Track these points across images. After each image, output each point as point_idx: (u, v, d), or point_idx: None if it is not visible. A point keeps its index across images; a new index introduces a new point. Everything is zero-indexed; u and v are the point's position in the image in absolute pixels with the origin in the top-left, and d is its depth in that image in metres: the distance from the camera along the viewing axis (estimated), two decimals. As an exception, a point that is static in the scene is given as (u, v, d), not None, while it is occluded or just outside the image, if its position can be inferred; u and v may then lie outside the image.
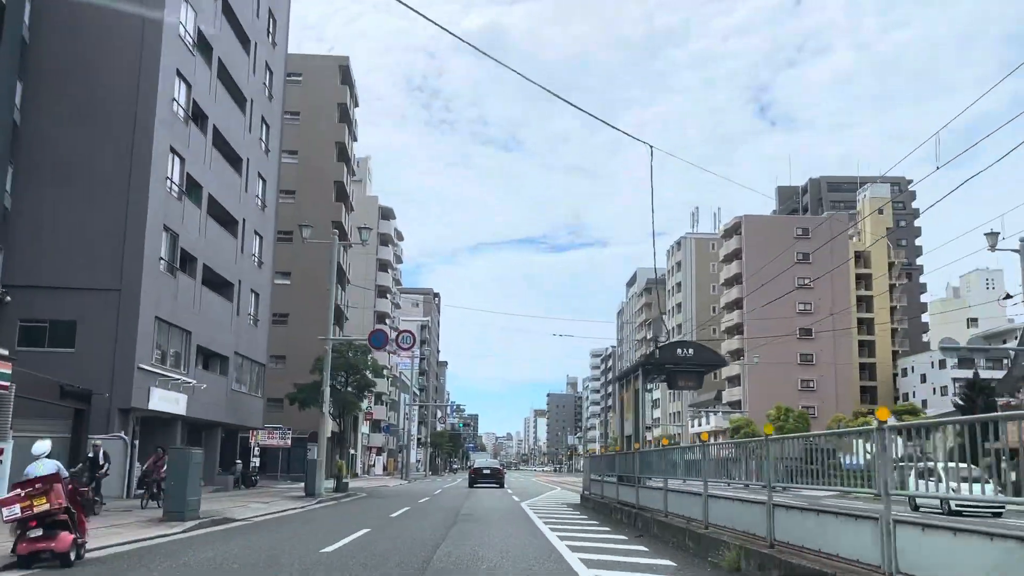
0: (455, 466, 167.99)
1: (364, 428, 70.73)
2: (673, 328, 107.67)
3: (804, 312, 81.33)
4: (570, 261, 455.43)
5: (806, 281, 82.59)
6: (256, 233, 35.80)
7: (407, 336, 30.31)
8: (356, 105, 65.33)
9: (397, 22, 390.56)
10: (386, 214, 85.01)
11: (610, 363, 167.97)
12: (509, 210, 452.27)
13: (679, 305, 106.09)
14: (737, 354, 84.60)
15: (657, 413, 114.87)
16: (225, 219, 31.95)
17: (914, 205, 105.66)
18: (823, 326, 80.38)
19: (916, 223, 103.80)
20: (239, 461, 34.09)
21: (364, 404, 60.37)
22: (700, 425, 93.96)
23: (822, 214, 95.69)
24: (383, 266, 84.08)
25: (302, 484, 32.24)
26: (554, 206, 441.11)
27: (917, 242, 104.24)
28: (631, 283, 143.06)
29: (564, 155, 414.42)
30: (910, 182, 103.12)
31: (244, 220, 33.94)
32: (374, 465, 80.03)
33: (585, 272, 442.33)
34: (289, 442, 45.99)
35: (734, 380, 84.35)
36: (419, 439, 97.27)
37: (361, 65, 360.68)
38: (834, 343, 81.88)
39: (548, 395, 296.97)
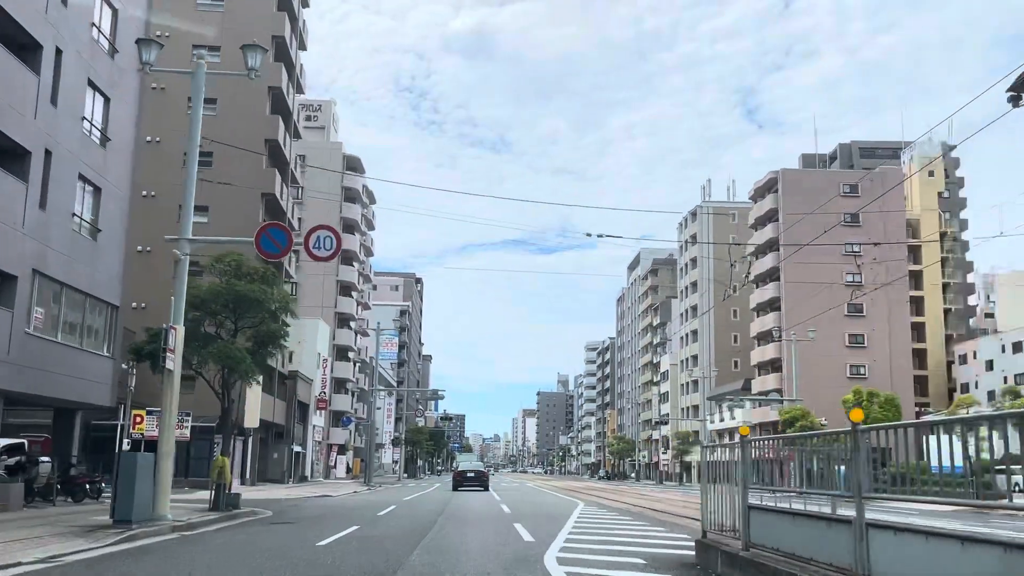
0: (439, 468, 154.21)
1: (317, 419, 56.72)
2: (687, 310, 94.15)
3: (853, 284, 67.96)
4: (558, 262, 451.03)
5: (854, 248, 69.29)
6: (95, 87, 21.88)
7: (326, 237, 16.50)
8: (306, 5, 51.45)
9: (386, 22, 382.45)
10: (353, 165, 71.12)
11: (607, 356, 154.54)
12: (498, 211, 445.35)
13: (694, 284, 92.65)
14: (769, 336, 71.13)
15: (665, 408, 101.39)
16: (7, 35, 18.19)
17: (958, 173, 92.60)
18: (875, 302, 67.07)
19: (961, 193, 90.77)
20: (46, 460, 20.23)
21: (278, 364, 46.24)
22: (722, 421, 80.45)
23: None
24: (349, 227, 70.18)
25: (203, 494, 19.42)
26: (542, 207, 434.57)
27: (963, 215, 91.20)
28: (633, 266, 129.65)
29: (552, 157, 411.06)
30: (952, 148, 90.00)
31: (58, 48, 20.05)
32: (334, 466, 66.09)
33: (573, 273, 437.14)
34: (188, 432, 32.13)
35: (767, 367, 70.94)
36: (395, 436, 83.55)
37: (349, 65, 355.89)
38: (889, 322, 68.57)
39: (538, 393, 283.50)
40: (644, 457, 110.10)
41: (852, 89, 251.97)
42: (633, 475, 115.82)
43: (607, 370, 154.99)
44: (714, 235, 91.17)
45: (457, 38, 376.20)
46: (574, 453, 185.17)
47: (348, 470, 69.87)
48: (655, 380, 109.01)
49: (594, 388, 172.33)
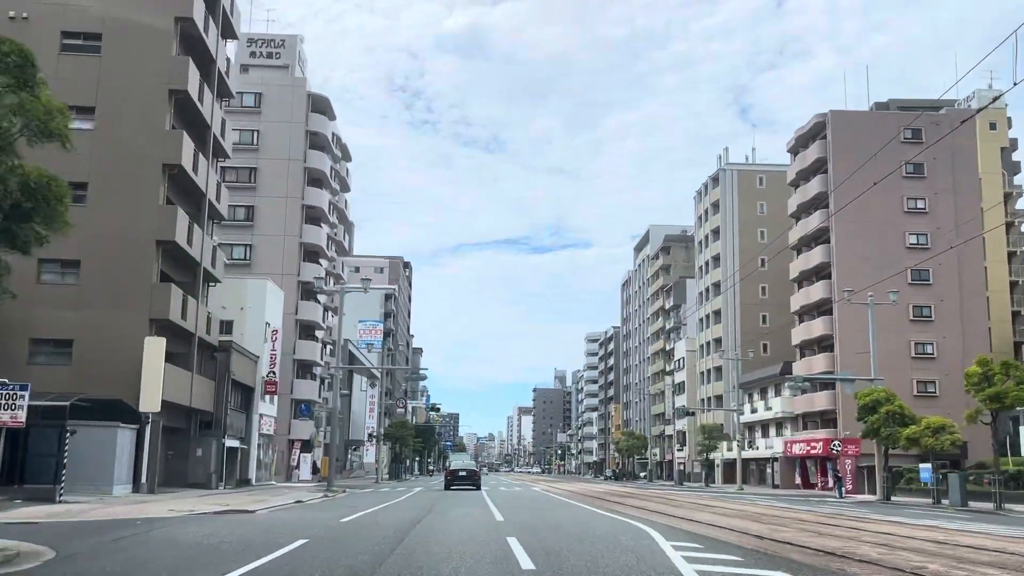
0: (430, 467, 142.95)
1: (267, 407, 45.27)
2: (709, 287, 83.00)
3: (917, 247, 57.03)
4: (552, 262, 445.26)
5: (918, 204, 58.31)
6: None
7: None
8: None
9: (379, 21, 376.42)
10: (320, 107, 59.76)
11: (610, 347, 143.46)
12: (491, 211, 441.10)
13: (715, 259, 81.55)
14: (815, 310, 60.06)
15: (681, 400, 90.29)
16: None
17: (1010, 134, 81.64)
18: (944, 269, 56.13)
19: (1015, 156, 79.83)
20: None
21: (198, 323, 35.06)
22: (754, 412, 69.36)
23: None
24: (315, 180, 58.88)
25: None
26: (536, 207, 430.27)
27: (1016, 179, 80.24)
28: (641, 246, 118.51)
29: (547, 156, 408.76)
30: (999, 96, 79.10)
31: None
32: (297, 466, 54.80)
33: (567, 273, 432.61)
34: (22, 417, 20.92)
35: (812, 346, 59.83)
36: (373, 433, 72.42)
37: (343, 65, 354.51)
38: (960, 291, 57.55)
39: (535, 390, 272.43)
40: (655, 455, 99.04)
41: (845, 88, 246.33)
42: (644, 475, 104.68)
43: (610, 362, 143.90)
44: (739, 203, 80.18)
45: (450, 37, 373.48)
46: (574, 451, 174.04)
47: (315, 471, 58.57)
48: (668, 369, 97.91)
49: (595, 382, 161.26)
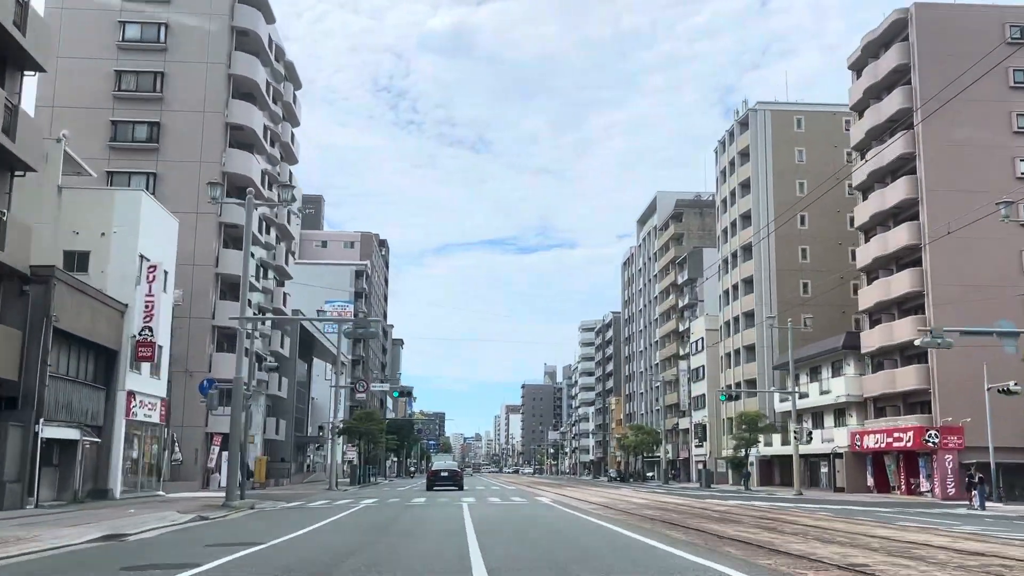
0: (411, 469, 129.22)
1: (142, 381, 30.90)
2: (737, 252, 69.63)
3: (1030, 177, 43.90)
4: (538, 262, 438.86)
5: (1029, 122, 45.14)
6: None
7: None
8: None
9: (363, 21, 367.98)
10: (252, -3, 45.90)
11: (609, 335, 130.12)
12: (477, 211, 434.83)
13: (745, 217, 68.26)
14: (893, 263, 46.74)
15: (700, 388, 77.07)
16: None
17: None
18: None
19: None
20: None
21: None
22: (803, 397, 56.09)
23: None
24: (246, 94, 45.02)
25: None
26: (522, 207, 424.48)
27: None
28: (646, 217, 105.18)
29: (532, 156, 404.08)
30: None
31: None
32: (214, 468, 40.91)
33: (553, 273, 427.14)
34: None
35: (891, 308, 46.43)
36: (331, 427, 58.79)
37: (327, 65, 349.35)
38: (1087, 234, 44.36)
39: (523, 386, 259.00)
40: (667, 452, 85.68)
41: (830, 87, 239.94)
42: (652, 474, 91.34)
43: (609, 351, 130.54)
44: (774, 150, 66.93)
45: (435, 37, 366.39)
46: (567, 450, 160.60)
47: (249, 475, 44.68)
48: (682, 353, 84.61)
49: (591, 374, 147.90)
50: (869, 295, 47.97)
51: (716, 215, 76.26)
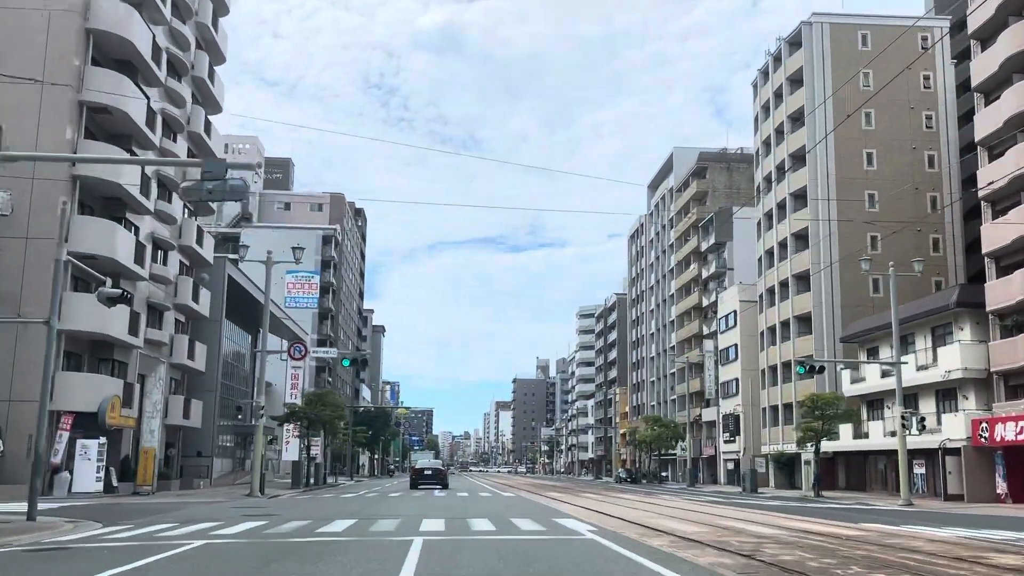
0: (391, 467, 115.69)
1: None
2: (785, 202, 56.43)
3: None
4: (528, 261, 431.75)
5: None
6: None
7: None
8: None
9: (354, 18, 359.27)
10: None
11: (612, 319, 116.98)
12: (467, 210, 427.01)
13: (797, 157, 55.10)
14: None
15: (733, 371, 64.09)
16: None
17: None
18: None
19: None
20: None
21: None
22: (891, 375, 43.03)
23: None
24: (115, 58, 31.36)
25: None
26: (513, 205, 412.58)
27: None
28: (660, 179, 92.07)
29: (523, 155, 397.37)
30: None
31: None
32: (62, 467, 27.32)
33: (543, 272, 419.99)
34: None
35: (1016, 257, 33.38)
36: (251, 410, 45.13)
37: (317, 62, 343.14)
38: None
39: (514, 381, 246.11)
40: (685, 449, 72.56)
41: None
42: (666, 474, 78.29)
43: (612, 336, 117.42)
44: (834, 73, 53.81)
45: (426, 34, 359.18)
46: (563, 448, 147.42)
47: (126, 475, 31.19)
48: (706, 332, 71.49)
49: (591, 364, 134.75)
50: (994, 235, 34.85)
51: (756, 159, 62.98)
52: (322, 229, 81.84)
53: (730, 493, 45.76)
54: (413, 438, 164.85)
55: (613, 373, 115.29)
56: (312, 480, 47.55)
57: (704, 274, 73.50)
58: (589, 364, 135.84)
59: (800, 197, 54.50)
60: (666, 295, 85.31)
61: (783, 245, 56.26)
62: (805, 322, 53.40)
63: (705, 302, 72.80)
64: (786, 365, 55.03)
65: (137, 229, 32.00)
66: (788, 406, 54.58)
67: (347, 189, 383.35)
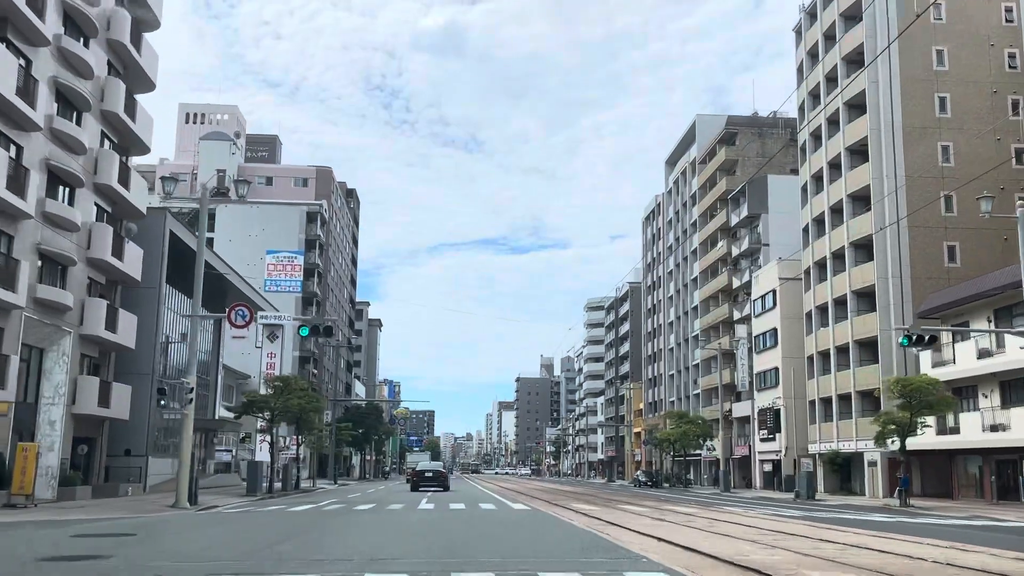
0: (386, 469, 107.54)
1: None
2: (841, 155, 48.13)
3: None
4: (529, 262, 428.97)
5: None
6: None
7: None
8: None
9: (356, 19, 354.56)
10: None
11: (624, 310, 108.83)
12: (468, 211, 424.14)
13: (853, 106, 46.88)
14: None
15: (772, 359, 56.07)
16: None
17: None
18: None
19: None
20: None
21: None
22: (989, 356, 35.03)
23: None
24: None
25: None
26: (513, 207, 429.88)
27: None
28: (676, 157, 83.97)
29: (523, 156, 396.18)
30: None
31: None
32: None
33: (545, 274, 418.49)
34: None
35: None
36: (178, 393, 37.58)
37: (318, 63, 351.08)
38: None
39: (517, 379, 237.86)
40: (712, 449, 64.42)
41: None
42: (690, 476, 70.10)
43: (624, 328, 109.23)
44: (896, 4, 45.52)
45: (427, 36, 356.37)
46: (570, 448, 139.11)
47: (3, 479, 22.96)
48: (737, 317, 63.35)
49: (600, 360, 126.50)
50: None
51: (800, 115, 54.73)
52: (307, 205, 73.73)
53: (780, 500, 37.60)
54: (412, 438, 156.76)
55: (625, 368, 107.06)
56: (280, 485, 39.44)
57: (734, 252, 65.31)
58: (598, 359, 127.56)
59: (858, 152, 46.33)
60: (688, 279, 77.08)
61: (836, 210, 48.07)
62: (866, 298, 45.20)
63: (736, 283, 64.60)
64: (841, 349, 46.88)
65: (20, 149, 23.84)
66: (844, 397, 46.38)
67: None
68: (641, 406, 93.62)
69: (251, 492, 32.81)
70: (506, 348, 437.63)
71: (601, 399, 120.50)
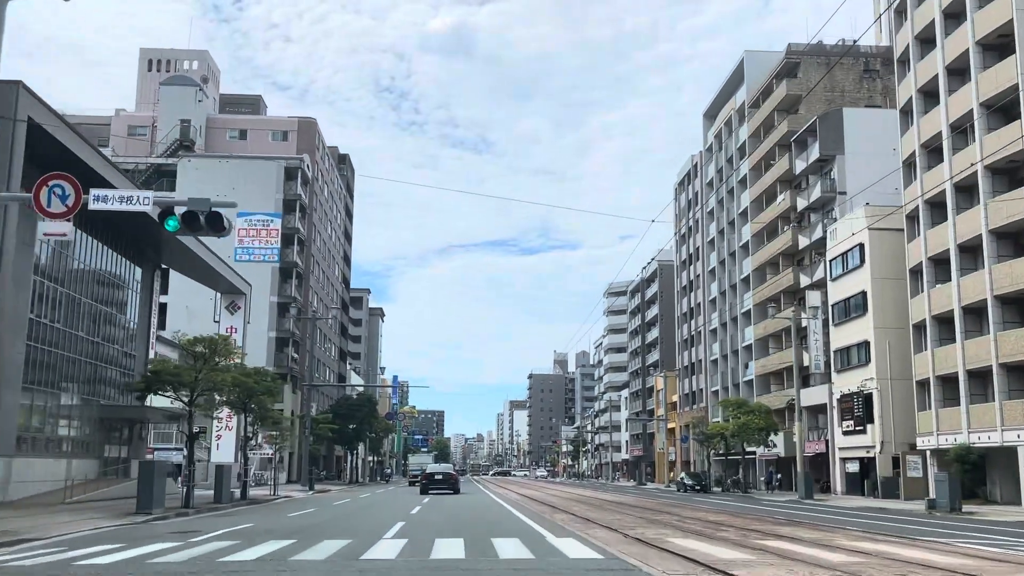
0: (387, 471, 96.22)
1: None
2: (970, 56, 36.28)
3: None
4: (539, 264, 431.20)
5: None
6: None
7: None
8: None
9: (365, 22, 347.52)
10: None
11: (651, 292, 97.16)
12: (478, 212, 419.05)
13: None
14: None
15: (857, 331, 44.37)
16: None
17: None
18: None
19: None
20: None
21: None
22: None
23: None
24: None
25: None
26: (523, 208, 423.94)
27: None
28: (717, 109, 72.30)
29: (533, 157, 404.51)
30: None
31: None
32: None
33: (555, 275, 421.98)
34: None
35: None
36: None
37: (328, 66, 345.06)
38: None
39: (530, 376, 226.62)
40: (774, 445, 52.64)
41: None
42: (744, 479, 58.25)
43: (651, 313, 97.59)
44: None
45: (436, 37, 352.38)
46: (589, 448, 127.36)
47: None
48: (806, 283, 51.69)
49: (623, 350, 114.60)
50: None
51: (904, 12, 42.90)
52: (285, 159, 62.43)
53: (908, 513, 25.99)
54: (417, 437, 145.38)
55: (654, 356, 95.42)
56: (213, 494, 28.15)
57: (799, 206, 53.69)
58: (621, 349, 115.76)
59: (994, 47, 34.66)
60: (736, 245, 65.38)
61: (957, 128, 36.36)
62: (1008, 239, 33.56)
63: (803, 243, 52.96)
64: (970, 310, 35.20)
65: None
66: (978, 374, 34.75)
67: (359, 191, 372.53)
68: (675, 398, 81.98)
69: (144, 508, 21.41)
70: (517, 349, 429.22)
71: (625, 392, 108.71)
